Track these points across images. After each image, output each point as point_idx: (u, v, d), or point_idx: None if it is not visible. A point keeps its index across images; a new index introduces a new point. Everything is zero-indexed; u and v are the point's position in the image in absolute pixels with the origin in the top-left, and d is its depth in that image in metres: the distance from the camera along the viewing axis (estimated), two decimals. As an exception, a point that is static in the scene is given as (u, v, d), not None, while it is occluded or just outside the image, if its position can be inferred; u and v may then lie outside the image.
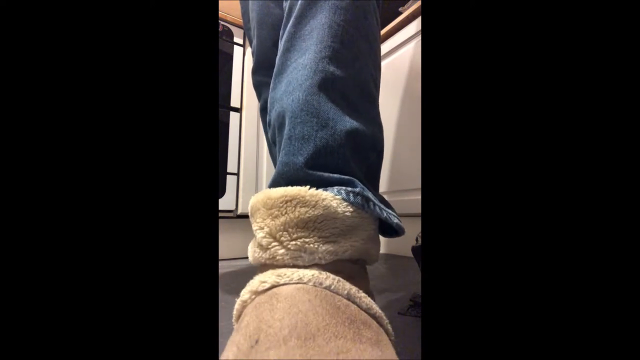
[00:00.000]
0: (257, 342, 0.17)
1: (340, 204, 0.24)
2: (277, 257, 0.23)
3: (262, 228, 0.24)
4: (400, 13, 1.19)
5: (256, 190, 1.14)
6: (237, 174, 1.11)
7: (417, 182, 1.00)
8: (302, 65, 0.31)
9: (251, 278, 0.23)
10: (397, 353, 0.23)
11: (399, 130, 1.09)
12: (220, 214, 1.07)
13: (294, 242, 0.23)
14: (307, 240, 0.23)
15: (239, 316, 0.23)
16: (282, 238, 0.23)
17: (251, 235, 1.00)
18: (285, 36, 0.35)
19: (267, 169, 1.17)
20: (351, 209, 0.24)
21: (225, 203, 1.07)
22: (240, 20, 1.18)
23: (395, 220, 0.29)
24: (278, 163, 0.28)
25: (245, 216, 1.13)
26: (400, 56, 1.10)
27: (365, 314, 0.21)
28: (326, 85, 0.29)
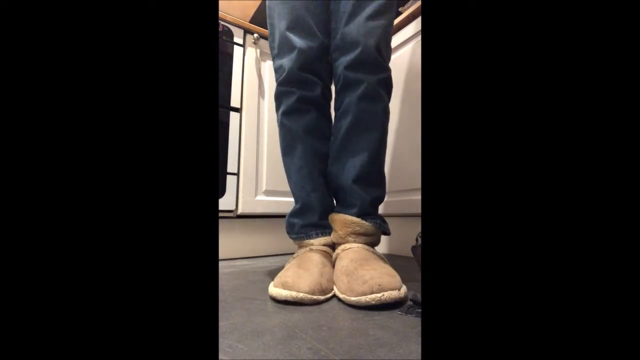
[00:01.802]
0: (352, 260, 0.57)
1: (371, 227, 0.65)
2: (348, 240, 0.64)
3: (339, 230, 0.66)
4: (400, 13, 1.19)
5: (256, 190, 1.14)
6: (237, 174, 1.11)
7: (417, 182, 1.00)
8: (352, 165, 0.67)
9: (250, 278, 0.50)
10: (397, 353, 0.31)
11: (399, 130, 1.09)
12: (220, 214, 1.07)
13: (354, 237, 0.64)
14: (357, 237, 0.64)
15: (336, 258, 0.63)
16: (349, 237, 0.64)
17: (250, 235, 1.01)
18: (337, 140, 0.70)
19: (267, 169, 1.17)
20: (374, 227, 0.65)
21: (225, 203, 1.07)
22: (240, 21, 1.18)
23: (387, 229, 0.70)
24: (342, 207, 0.68)
25: (245, 216, 1.13)
26: (400, 56, 1.10)
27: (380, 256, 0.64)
28: (361, 179, 0.66)
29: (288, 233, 0.72)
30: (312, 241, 0.67)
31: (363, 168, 0.66)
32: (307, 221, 0.69)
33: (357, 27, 0.66)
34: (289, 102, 0.71)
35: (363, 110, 0.67)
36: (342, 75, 0.69)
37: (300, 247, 0.70)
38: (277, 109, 0.74)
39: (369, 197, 0.67)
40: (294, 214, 0.71)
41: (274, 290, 0.53)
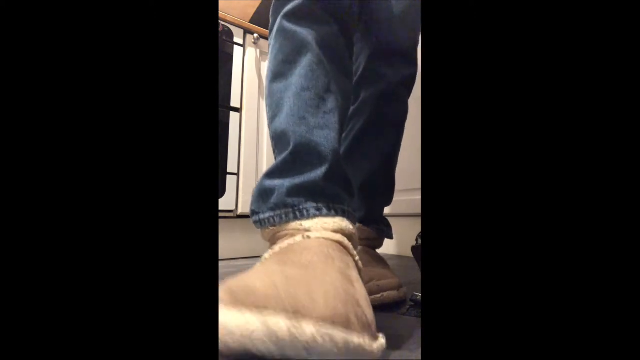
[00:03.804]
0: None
1: (374, 233, 0.59)
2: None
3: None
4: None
5: (256, 190, 1.14)
6: (237, 174, 1.11)
7: (417, 182, 1.00)
8: (362, 169, 0.58)
9: None
10: (397, 353, 0.31)
11: (399, 130, 1.09)
12: (220, 214, 1.07)
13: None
14: (359, 241, 0.46)
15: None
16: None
17: (250, 235, 0.99)
18: (349, 140, 0.60)
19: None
20: (376, 234, 0.59)
21: (225, 203, 1.07)
22: (240, 21, 1.18)
23: (390, 234, 0.64)
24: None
25: (245, 216, 1.13)
26: (400, 56, 1.10)
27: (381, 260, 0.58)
28: (370, 184, 0.58)
29: (255, 214, 0.36)
30: (307, 223, 0.32)
31: (373, 173, 0.59)
32: (301, 179, 0.34)
33: (390, 6, 0.56)
34: (297, 2, 0.41)
35: (381, 112, 0.59)
36: (362, 64, 0.59)
37: (276, 238, 0.34)
38: (273, 23, 0.43)
39: (375, 203, 0.60)
40: (275, 171, 0.35)
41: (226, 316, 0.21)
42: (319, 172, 0.34)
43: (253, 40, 1.20)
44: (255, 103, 1.18)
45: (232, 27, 1.16)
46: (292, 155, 0.35)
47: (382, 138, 0.60)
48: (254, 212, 0.36)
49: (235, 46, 1.16)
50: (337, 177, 0.36)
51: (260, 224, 0.35)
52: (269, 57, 0.43)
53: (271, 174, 0.36)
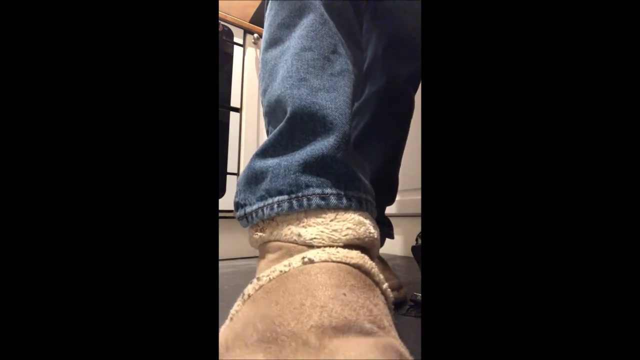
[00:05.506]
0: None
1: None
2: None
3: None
4: None
5: (256, 190, 1.13)
6: (237, 174, 1.11)
7: (417, 182, 1.00)
8: (372, 157, 0.56)
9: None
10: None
11: (399, 130, 1.09)
12: (220, 214, 1.07)
13: None
14: None
15: None
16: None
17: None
18: (358, 133, 0.57)
19: (267, 169, 1.17)
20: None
21: (225, 203, 1.07)
22: (240, 21, 1.18)
23: (391, 234, 0.59)
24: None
25: (245, 216, 1.13)
26: (400, 56, 1.10)
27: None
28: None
29: (239, 207, 0.28)
30: (308, 231, 0.24)
31: (376, 174, 0.55)
32: (302, 155, 0.26)
33: None
34: None
35: (386, 109, 0.57)
36: (367, 57, 0.57)
37: (264, 251, 0.26)
38: None
39: (378, 203, 0.50)
40: (268, 147, 0.28)
41: None
42: (325, 144, 0.25)
43: (253, 40, 1.20)
44: (255, 103, 1.18)
45: (232, 27, 1.16)
46: (290, 123, 0.26)
47: (387, 137, 0.58)
48: (238, 205, 0.27)
49: (235, 46, 1.16)
50: (349, 151, 0.27)
51: (246, 219, 0.27)
52: (264, 27, 0.36)
53: (263, 152, 0.27)
